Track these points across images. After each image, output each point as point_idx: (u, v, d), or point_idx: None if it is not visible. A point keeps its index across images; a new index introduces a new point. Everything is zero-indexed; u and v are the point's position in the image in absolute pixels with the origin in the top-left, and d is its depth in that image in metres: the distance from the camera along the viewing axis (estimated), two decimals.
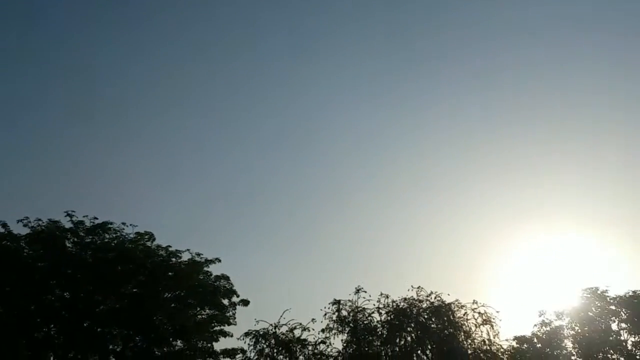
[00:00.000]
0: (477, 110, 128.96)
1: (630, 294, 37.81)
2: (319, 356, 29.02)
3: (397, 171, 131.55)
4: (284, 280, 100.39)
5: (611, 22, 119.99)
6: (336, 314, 29.53)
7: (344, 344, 29.10)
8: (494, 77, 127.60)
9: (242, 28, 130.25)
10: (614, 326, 37.58)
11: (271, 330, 29.66)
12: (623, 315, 37.31)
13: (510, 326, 48.24)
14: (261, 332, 29.60)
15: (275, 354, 29.29)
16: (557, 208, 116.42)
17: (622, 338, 37.09)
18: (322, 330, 29.22)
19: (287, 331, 29.54)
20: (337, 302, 29.81)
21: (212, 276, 37.95)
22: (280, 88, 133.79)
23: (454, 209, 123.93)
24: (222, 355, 37.90)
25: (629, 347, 36.77)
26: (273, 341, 29.41)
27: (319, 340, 29.21)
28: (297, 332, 29.51)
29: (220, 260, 38.03)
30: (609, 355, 36.60)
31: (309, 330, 29.40)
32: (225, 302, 37.93)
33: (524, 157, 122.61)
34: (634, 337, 36.91)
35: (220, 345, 37.95)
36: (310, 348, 29.26)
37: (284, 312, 29.78)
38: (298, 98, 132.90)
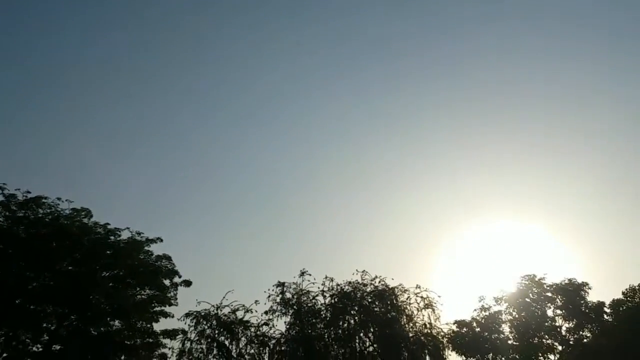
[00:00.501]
0: (427, 104, 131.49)
1: (566, 281, 39.10)
2: (261, 338, 28.63)
3: (348, 160, 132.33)
4: (230, 262, 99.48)
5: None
6: (280, 296, 29.21)
7: (287, 326, 28.85)
8: (443, 69, 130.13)
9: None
10: (550, 312, 38.83)
11: (213, 311, 29.01)
12: (558, 302, 38.57)
13: (453, 310, 49.24)
14: (202, 313, 28.93)
15: (216, 335, 28.68)
16: (502, 198, 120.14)
17: (556, 324, 38.38)
18: (266, 312, 28.91)
19: (229, 312, 29.00)
20: (281, 285, 29.47)
21: (153, 256, 36.65)
22: (239, 71, 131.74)
23: (403, 197, 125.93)
24: (162, 336, 36.82)
25: (563, 333, 38.12)
26: (215, 322, 28.79)
27: (262, 322, 28.88)
28: (239, 314, 29.08)
29: (161, 240, 36.81)
30: (544, 340, 37.82)
31: (252, 312, 29.04)
32: (167, 282, 36.78)
33: (472, 149, 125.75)
34: (568, 323, 38.27)
35: (160, 326, 36.93)
36: (252, 330, 28.85)
37: (226, 293, 29.26)
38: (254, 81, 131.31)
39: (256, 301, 28.90)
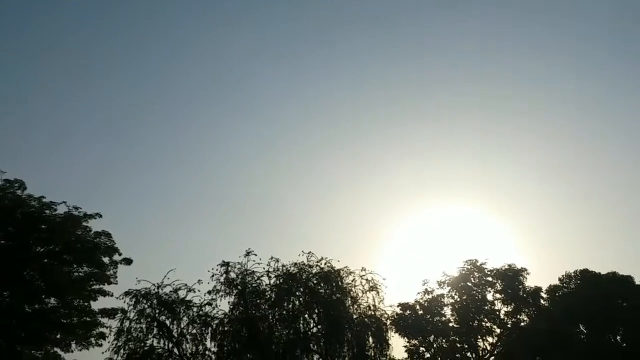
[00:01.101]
0: (380, 85, 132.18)
1: (506, 267, 40.25)
2: (204, 318, 27.97)
3: (298, 139, 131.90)
4: (175, 243, 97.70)
5: None
6: (224, 276, 28.52)
7: (231, 306, 28.29)
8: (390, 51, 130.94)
9: None
10: (489, 296, 39.98)
11: (154, 290, 28.08)
12: (498, 286, 39.71)
13: (398, 293, 49.98)
14: (142, 292, 27.96)
15: (157, 315, 27.85)
16: (449, 184, 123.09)
17: (496, 307, 39.54)
18: (209, 292, 28.17)
19: (171, 292, 28.12)
20: (225, 264, 28.75)
21: (92, 232, 35.11)
22: (193, 46, 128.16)
23: (350, 182, 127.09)
24: (100, 315, 35.58)
25: (502, 316, 39.32)
26: (155, 301, 27.89)
27: (205, 302, 28.17)
28: (182, 293, 28.24)
29: (100, 216, 35.26)
30: (483, 323, 38.91)
31: (195, 292, 28.25)
32: (106, 260, 35.38)
33: (424, 133, 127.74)
34: (507, 307, 39.51)
35: (98, 304, 35.60)
36: (195, 309, 28.12)
37: (168, 272, 28.29)
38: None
39: (199, 280, 28.21)
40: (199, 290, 28.17)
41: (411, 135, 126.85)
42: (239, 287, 28.42)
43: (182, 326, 27.62)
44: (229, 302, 28.27)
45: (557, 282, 42.60)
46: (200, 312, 27.96)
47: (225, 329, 28.03)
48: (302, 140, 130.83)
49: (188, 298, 28.17)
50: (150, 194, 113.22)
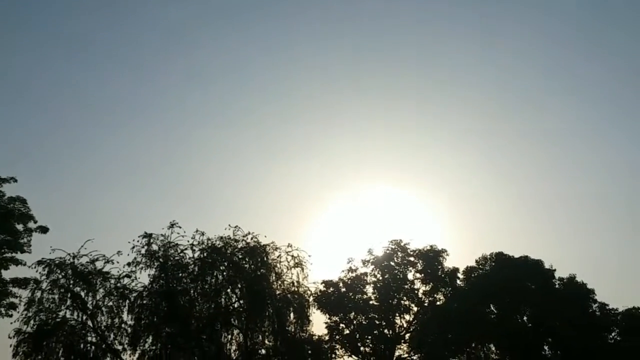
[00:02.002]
0: (317, 63, 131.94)
1: (428, 247, 41.59)
2: (121, 290, 27.32)
3: (230, 113, 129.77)
4: (96, 212, 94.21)
5: None
6: (145, 247, 27.92)
7: (151, 279, 27.85)
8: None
9: None
10: (410, 276, 41.19)
11: (69, 260, 27.08)
12: (419, 266, 41.00)
13: (324, 271, 50.58)
14: (57, 262, 26.92)
15: (71, 286, 26.90)
16: (380, 165, 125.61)
17: (415, 287, 40.87)
18: (128, 264, 27.55)
19: (87, 262, 27.24)
20: (148, 236, 28.13)
21: (6, 197, 33.11)
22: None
23: (281, 161, 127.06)
24: (11, 285, 33.77)
25: (420, 295, 40.71)
26: (70, 272, 26.95)
27: (124, 274, 27.52)
28: (99, 264, 27.46)
29: (15, 180, 33.24)
30: (402, 301, 40.19)
31: (113, 263, 27.56)
32: (20, 227, 33.52)
33: (361, 112, 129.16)
34: (425, 286, 40.93)
35: (10, 273, 33.74)
36: (112, 281, 27.41)
37: (85, 242, 27.33)
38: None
39: (119, 252, 27.53)
40: (117, 262, 27.61)
41: (348, 114, 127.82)
42: (160, 259, 27.94)
43: (98, 298, 26.98)
44: (149, 275, 27.90)
45: (473, 264, 44.54)
46: (118, 285, 27.33)
47: (144, 302, 27.60)
48: (234, 114, 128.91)
49: (106, 269, 27.54)
50: (73, 162, 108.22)
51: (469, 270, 43.66)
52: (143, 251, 27.83)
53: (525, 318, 42.80)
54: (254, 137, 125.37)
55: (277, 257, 30.99)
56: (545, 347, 42.44)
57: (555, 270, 43.63)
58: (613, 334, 42.76)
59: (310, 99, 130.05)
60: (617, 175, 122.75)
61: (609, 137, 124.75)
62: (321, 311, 39.07)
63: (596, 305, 42.92)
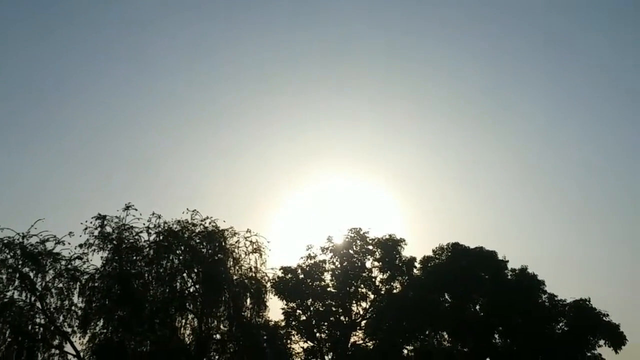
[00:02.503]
0: (285, 47, 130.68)
1: (387, 237, 42.06)
2: (72, 272, 26.58)
3: (195, 94, 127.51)
4: (48, 192, 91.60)
5: None
6: (99, 229, 27.18)
7: (104, 262, 27.16)
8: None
9: None
10: (368, 264, 41.74)
11: (18, 239, 26.11)
12: (377, 255, 41.48)
13: (283, 257, 50.55)
14: (5, 241, 25.96)
15: (19, 266, 26.01)
16: (343, 153, 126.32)
17: (373, 275, 41.41)
18: (80, 246, 26.76)
19: (37, 243, 26.31)
20: (101, 218, 27.37)
21: None
22: None
23: (246, 143, 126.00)
24: None
25: (377, 283, 41.27)
26: (19, 252, 26.01)
27: (75, 255, 26.72)
28: (49, 245, 26.52)
29: None
30: (359, 289, 40.67)
31: (65, 244, 26.64)
32: None
33: (318, 102, 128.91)
34: (382, 275, 41.51)
35: None
36: (63, 263, 26.61)
37: (35, 221, 26.35)
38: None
39: (70, 233, 26.65)
40: (69, 244, 26.69)
41: (312, 104, 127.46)
42: (114, 242, 27.29)
43: (48, 279, 26.18)
44: (102, 258, 27.21)
45: (430, 254, 45.31)
46: (69, 266, 26.58)
47: (96, 284, 26.99)
48: (196, 96, 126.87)
49: (56, 251, 26.61)
50: (23, 140, 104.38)
51: (425, 260, 44.38)
52: (96, 233, 27.07)
53: (477, 307, 43.95)
54: (215, 121, 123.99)
55: (236, 242, 30.70)
56: (496, 336, 43.72)
57: (508, 261, 44.83)
58: (561, 324, 44.25)
59: (275, 85, 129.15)
60: (571, 169, 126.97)
61: (564, 131, 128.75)
62: (278, 297, 39.26)
63: (546, 296, 44.30)
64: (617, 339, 42.38)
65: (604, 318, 43.12)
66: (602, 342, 42.72)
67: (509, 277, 44.29)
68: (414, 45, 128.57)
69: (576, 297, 44.36)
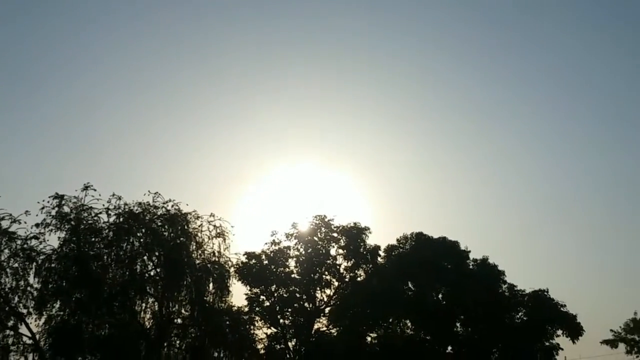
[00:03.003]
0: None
1: (352, 224, 42.13)
2: (28, 252, 25.96)
3: (160, 75, 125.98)
4: (5, 167, 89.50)
5: None
6: (56, 209, 26.54)
7: (61, 242, 26.56)
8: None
9: None
10: (333, 251, 41.71)
11: None
12: (342, 242, 41.53)
13: (249, 243, 50.31)
14: None
15: None
16: (311, 142, 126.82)
17: (337, 262, 41.45)
18: (37, 225, 26.16)
19: None
20: (59, 197, 26.70)
21: None
22: None
23: (213, 132, 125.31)
24: None
25: (341, 271, 41.37)
26: None
27: (31, 235, 26.11)
28: (5, 224, 25.88)
29: None
30: (324, 276, 40.72)
31: (21, 223, 26.04)
32: None
33: (290, 92, 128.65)
34: (347, 262, 41.56)
35: None
36: (19, 242, 25.97)
37: None
38: None
39: (26, 211, 25.99)
40: (25, 223, 26.12)
41: (278, 92, 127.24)
42: (72, 222, 26.72)
43: (2, 259, 25.58)
44: (59, 238, 26.59)
45: (394, 243, 45.65)
46: (25, 246, 25.94)
47: (53, 265, 26.40)
48: (161, 75, 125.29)
49: (12, 229, 25.95)
50: None
51: (390, 249, 44.69)
52: (53, 212, 26.43)
53: (440, 296, 44.52)
54: (180, 105, 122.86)
55: (199, 226, 30.34)
56: (458, 324, 44.44)
57: (470, 251, 45.57)
58: (520, 314, 45.16)
59: (243, 71, 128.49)
60: (534, 163, 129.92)
61: (529, 124, 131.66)
62: (242, 283, 38.98)
63: (506, 286, 45.17)
64: (574, 330, 43.51)
65: (562, 309, 44.19)
66: (560, 332, 43.79)
67: (471, 267, 45.02)
68: (379, 35, 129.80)
69: (535, 287, 45.38)
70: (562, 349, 44.20)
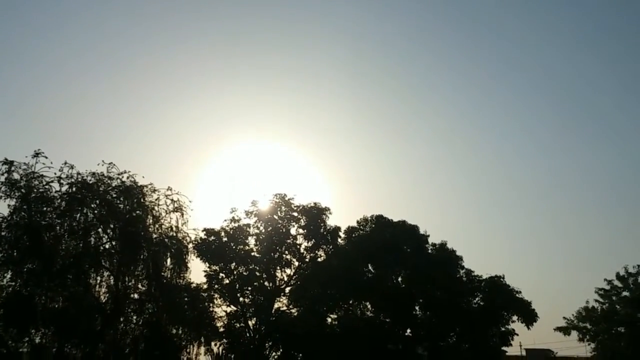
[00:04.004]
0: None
1: (312, 204, 42.03)
2: None
3: (123, 52, 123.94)
4: None
5: None
6: (5, 175, 25.69)
7: (11, 210, 25.71)
8: None
9: None
10: (293, 231, 41.52)
11: None
12: (302, 222, 41.34)
13: (208, 219, 49.80)
14: None
15: None
16: (273, 122, 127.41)
17: (297, 242, 41.35)
18: None
19: None
20: (8, 163, 25.74)
21: None
22: None
23: (173, 100, 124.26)
24: None
25: (302, 251, 41.28)
26: None
27: None
28: None
29: None
30: (284, 255, 40.61)
31: None
32: None
33: (254, 72, 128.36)
34: (307, 242, 41.43)
35: None
36: None
37: None
38: None
39: None
40: None
41: (241, 66, 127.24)
42: (22, 190, 25.86)
43: None
44: (9, 206, 25.65)
45: (355, 224, 45.93)
46: None
47: (2, 234, 25.59)
48: (125, 52, 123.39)
49: None
50: None
51: (350, 230, 44.93)
52: (2, 179, 25.52)
53: (400, 279, 45.04)
54: (139, 77, 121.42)
55: (156, 199, 29.70)
56: (417, 307, 45.04)
57: (429, 235, 46.24)
58: (477, 299, 46.07)
59: (202, 44, 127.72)
60: (493, 150, 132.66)
61: (488, 114, 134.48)
62: (201, 259, 38.51)
63: (463, 271, 46.04)
64: (529, 316, 44.67)
65: (517, 295, 45.26)
66: (515, 317, 44.87)
67: (430, 251, 45.66)
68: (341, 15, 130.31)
69: (491, 273, 46.44)
70: (517, 335, 45.45)
